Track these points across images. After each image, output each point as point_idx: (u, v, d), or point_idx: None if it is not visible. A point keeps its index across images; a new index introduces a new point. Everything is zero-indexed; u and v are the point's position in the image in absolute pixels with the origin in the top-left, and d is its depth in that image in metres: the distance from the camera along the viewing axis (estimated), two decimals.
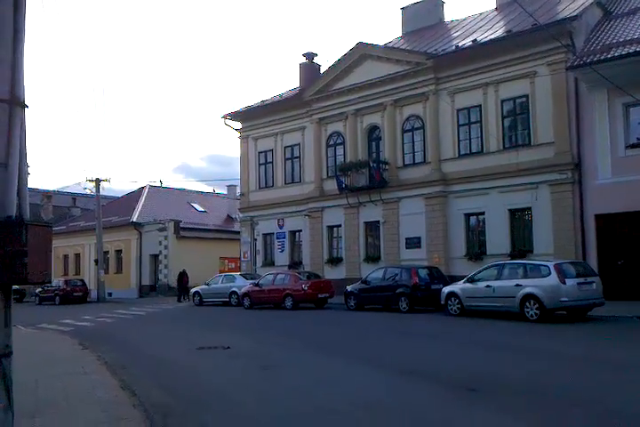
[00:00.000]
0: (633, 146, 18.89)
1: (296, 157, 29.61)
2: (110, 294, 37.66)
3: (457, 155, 23.57)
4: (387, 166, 25.37)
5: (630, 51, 17.94)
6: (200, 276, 31.90)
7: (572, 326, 13.80)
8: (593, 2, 21.86)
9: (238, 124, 32.22)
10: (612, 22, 21.65)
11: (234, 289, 25.04)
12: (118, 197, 49.11)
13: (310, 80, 29.17)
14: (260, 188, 31.08)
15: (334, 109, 27.52)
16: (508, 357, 9.73)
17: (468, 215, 23.16)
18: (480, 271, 16.61)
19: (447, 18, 31.15)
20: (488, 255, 21.82)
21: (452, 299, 16.74)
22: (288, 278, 22.51)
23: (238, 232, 33.67)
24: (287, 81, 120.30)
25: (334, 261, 27.05)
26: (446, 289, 17.20)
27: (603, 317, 14.79)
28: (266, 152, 30.93)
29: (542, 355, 9.75)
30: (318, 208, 27.79)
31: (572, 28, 20.24)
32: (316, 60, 31.26)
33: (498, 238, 21.90)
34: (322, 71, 29.35)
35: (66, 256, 45.10)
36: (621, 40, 19.07)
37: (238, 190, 35.66)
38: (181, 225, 38.32)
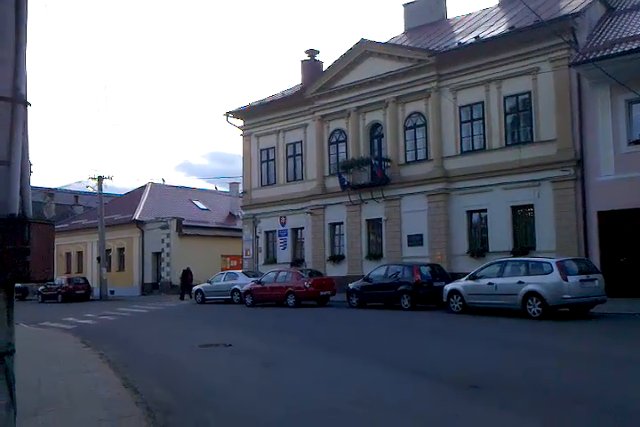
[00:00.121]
0: (636, 142, 18.84)
1: (298, 155, 29.60)
2: (113, 292, 37.74)
3: (459, 152, 23.54)
4: (389, 164, 25.34)
5: (633, 47, 17.90)
6: (202, 274, 31.94)
7: (575, 323, 13.79)
8: None
9: (240, 122, 32.22)
10: (614, 18, 21.59)
11: (236, 287, 25.06)
12: (121, 195, 49.18)
13: (312, 77, 29.13)
14: (262, 185, 31.08)
15: (336, 107, 27.50)
16: (511, 354, 9.73)
17: (470, 212, 23.13)
18: (482, 268, 16.59)
19: (450, 14, 31.08)
20: (490, 252, 21.80)
21: (455, 296, 16.73)
22: (290, 276, 22.52)
23: (240, 230, 33.70)
24: (289, 78, 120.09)
25: (336, 258, 27.05)
26: (448, 286, 17.20)
27: (605, 314, 14.77)
28: (268, 150, 30.93)
29: (544, 352, 9.74)
30: (320, 206, 27.78)
31: (574, 24, 20.17)
32: (318, 57, 31.22)
33: (500, 235, 21.88)
34: (324, 68, 29.31)
35: (68, 254, 45.18)
36: (624, 36, 19.02)
37: (240, 188, 35.70)
38: (184, 223, 38.35)
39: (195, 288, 27.95)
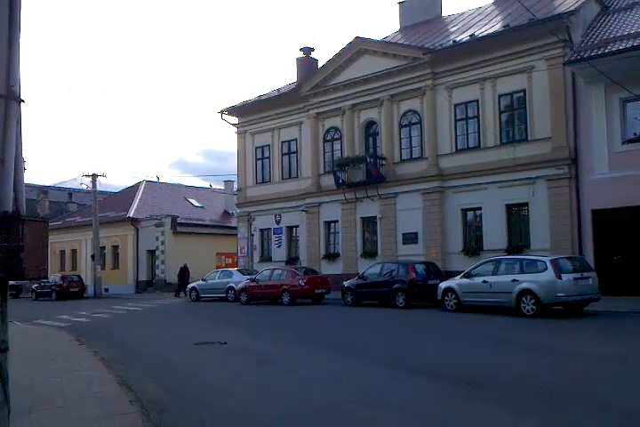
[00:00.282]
0: (630, 141, 18.89)
1: (293, 153, 29.58)
2: (107, 290, 37.68)
3: (454, 150, 23.57)
4: (384, 162, 25.35)
5: (627, 46, 17.94)
6: (197, 271, 31.92)
7: (569, 321, 13.83)
8: None
9: (235, 120, 32.16)
10: (609, 17, 21.64)
11: (231, 285, 25.04)
12: (115, 193, 49.04)
13: (307, 75, 29.10)
14: (257, 183, 31.05)
15: (331, 104, 27.48)
16: (506, 352, 9.75)
17: (465, 211, 23.18)
18: (477, 267, 16.62)
19: (445, 12, 31.12)
20: (485, 251, 21.86)
21: (449, 294, 16.76)
22: (285, 274, 22.52)
23: (235, 228, 33.66)
24: (284, 76, 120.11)
25: (331, 256, 27.06)
26: (443, 284, 17.22)
27: (599, 312, 14.83)
28: (263, 147, 30.89)
29: (538, 350, 9.78)
30: (315, 204, 27.78)
31: (569, 22, 20.22)
32: (313, 54, 31.19)
33: (495, 234, 21.93)
34: (319, 66, 29.27)
35: (62, 252, 45.05)
36: (619, 35, 19.06)
37: (235, 186, 35.64)
38: (178, 220, 38.28)
39: (189, 286, 27.93)
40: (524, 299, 14.54)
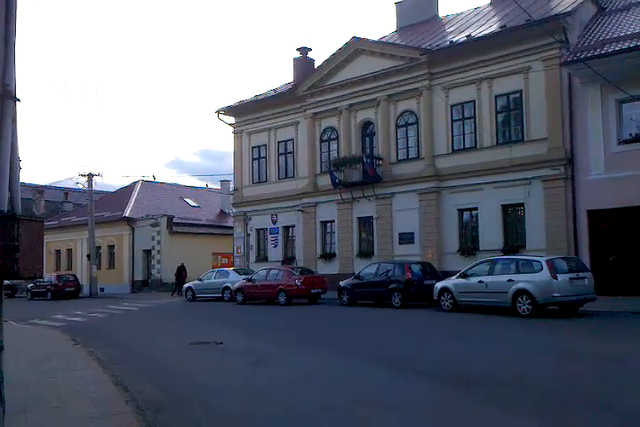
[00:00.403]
0: (625, 142, 18.97)
1: (289, 153, 29.57)
2: (102, 290, 37.58)
3: (450, 150, 23.60)
4: (380, 162, 25.37)
5: (624, 47, 17.99)
6: (193, 271, 31.89)
7: (564, 321, 13.86)
8: None
9: (232, 119, 32.13)
10: (605, 18, 21.70)
11: (227, 284, 25.02)
12: (111, 192, 48.92)
13: (304, 75, 29.09)
14: (253, 183, 31.03)
15: (328, 104, 27.48)
16: (503, 352, 9.76)
17: (461, 211, 23.21)
18: (473, 267, 16.65)
19: (441, 13, 31.13)
20: (481, 251, 21.89)
21: (445, 294, 16.78)
22: (281, 274, 22.50)
23: (231, 227, 33.65)
24: (281, 76, 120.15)
25: (327, 256, 27.06)
26: (439, 284, 17.24)
27: (594, 312, 14.87)
28: (259, 147, 30.87)
29: (534, 350, 9.80)
30: (312, 203, 27.78)
31: (565, 23, 20.25)
32: (310, 54, 31.18)
33: (491, 234, 21.96)
34: (316, 66, 29.27)
35: (58, 251, 44.93)
36: (615, 36, 19.11)
37: (231, 185, 35.62)
38: (174, 220, 38.24)
39: (185, 286, 27.90)
40: (519, 299, 14.57)
